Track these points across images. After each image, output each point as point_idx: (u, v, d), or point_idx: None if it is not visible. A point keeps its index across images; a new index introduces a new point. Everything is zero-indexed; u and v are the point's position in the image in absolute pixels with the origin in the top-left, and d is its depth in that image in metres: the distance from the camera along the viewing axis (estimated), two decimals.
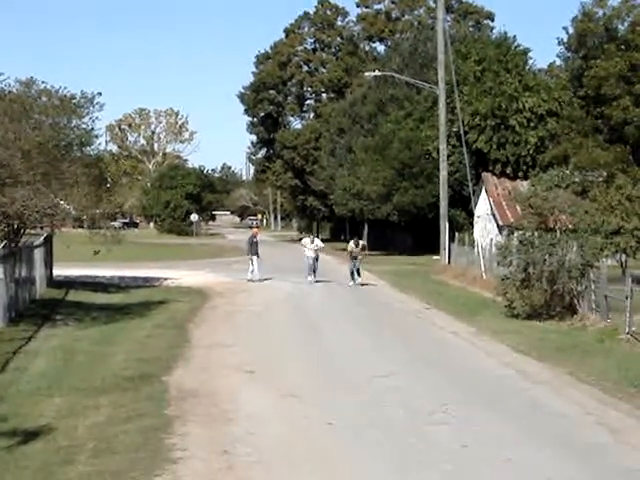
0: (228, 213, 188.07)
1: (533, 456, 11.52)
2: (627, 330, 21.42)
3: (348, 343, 22.05)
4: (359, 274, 38.83)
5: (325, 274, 40.34)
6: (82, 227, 35.89)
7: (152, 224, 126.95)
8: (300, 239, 49.45)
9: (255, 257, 39.23)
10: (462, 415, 13.78)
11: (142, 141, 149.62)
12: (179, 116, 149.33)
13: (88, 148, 35.43)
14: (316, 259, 39.72)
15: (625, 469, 11.01)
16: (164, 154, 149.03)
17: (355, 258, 38.71)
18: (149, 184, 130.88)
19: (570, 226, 31.93)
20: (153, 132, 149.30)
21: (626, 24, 55.58)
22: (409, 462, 11.22)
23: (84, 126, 34.26)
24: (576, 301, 25.37)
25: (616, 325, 22.06)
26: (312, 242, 40.25)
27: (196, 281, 39.88)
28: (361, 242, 41.30)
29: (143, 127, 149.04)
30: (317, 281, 38.85)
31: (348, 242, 41.86)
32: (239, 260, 52.20)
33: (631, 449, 12.01)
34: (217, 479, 10.55)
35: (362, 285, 38.21)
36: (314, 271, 39.25)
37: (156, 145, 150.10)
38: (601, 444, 12.19)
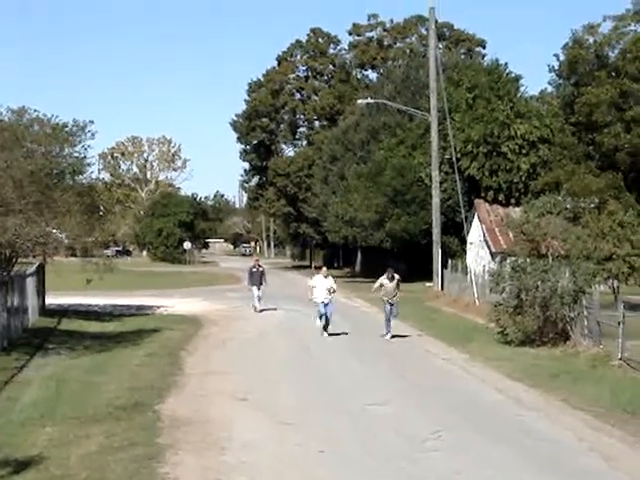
0: (221, 241, 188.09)
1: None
2: (619, 356, 21.44)
3: (341, 370, 22.03)
4: (389, 324, 28.97)
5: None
6: (75, 256, 35.82)
7: (145, 252, 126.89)
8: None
9: (255, 287, 38.18)
10: (455, 442, 13.76)
11: (135, 169, 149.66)
12: (172, 144, 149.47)
13: (80, 176, 35.50)
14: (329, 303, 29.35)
15: None
16: (157, 182, 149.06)
17: (391, 303, 28.87)
18: (142, 212, 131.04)
19: (562, 252, 31.98)
20: (146, 160, 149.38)
21: (616, 51, 55.98)
22: None
23: (76, 154, 34.35)
24: (569, 327, 25.37)
25: (609, 351, 22.07)
26: (326, 277, 29.84)
27: (189, 309, 39.84)
28: (396, 276, 29.61)
29: (136, 155, 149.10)
30: (331, 334, 29.19)
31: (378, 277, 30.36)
32: (233, 288, 52.18)
33: (624, 475, 12.00)
34: None
35: (392, 337, 28.68)
36: (326, 320, 29.23)
37: (149, 173, 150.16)
38: (595, 470, 12.18)
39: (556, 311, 25.24)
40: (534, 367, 21.79)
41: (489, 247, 49.76)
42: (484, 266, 41.70)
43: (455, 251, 55.20)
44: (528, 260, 27.96)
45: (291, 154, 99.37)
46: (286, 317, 36.12)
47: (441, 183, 51.22)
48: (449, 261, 47.72)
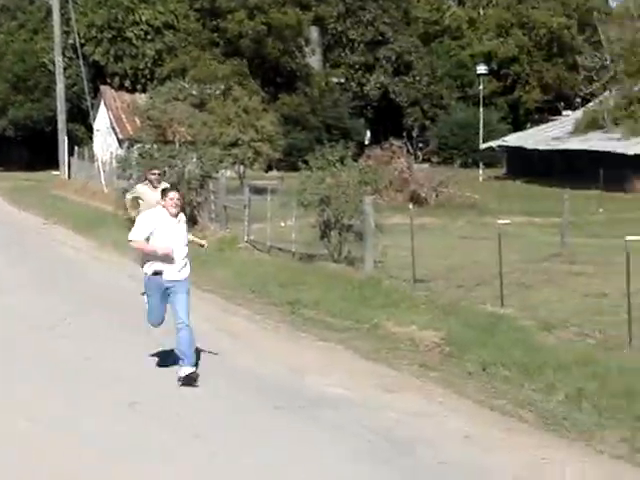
0: None
1: (159, 364, 11.61)
2: (245, 239, 22.05)
3: None
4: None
5: None
6: None
7: None
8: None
9: None
10: (84, 328, 13.63)
11: None
12: None
13: None
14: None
15: (234, 367, 11.36)
16: None
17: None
18: None
19: (189, 138, 32.33)
20: None
21: None
22: (32, 377, 10.93)
23: None
24: (196, 212, 25.72)
25: (235, 234, 22.61)
26: (176, 216, 11.30)
27: None
28: (165, 185, 15.00)
29: None
30: None
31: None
32: None
33: (250, 350, 12.37)
34: None
35: None
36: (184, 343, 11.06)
37: None
38: (223, 349, 12.43)
39: (184, 196, 25.46)
40: None
41: (116, 134, 49.40)
42: (112, 153, 41.26)
43: (82, 138, 54.35)
44: (155, 146, 27.99)
45: None
46: None
47: (65, 69, 49.80)
48: (76, 149, 46.84)
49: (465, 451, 8.59)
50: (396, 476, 7.92)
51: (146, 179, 16.85)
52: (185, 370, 10.69)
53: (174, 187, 12.16)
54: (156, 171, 16.91)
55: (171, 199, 11.27)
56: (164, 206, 11.28)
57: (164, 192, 11.50)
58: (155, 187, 15.97)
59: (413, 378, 11.09)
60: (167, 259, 11.01)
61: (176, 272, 11.11)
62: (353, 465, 8.19)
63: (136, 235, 11.30)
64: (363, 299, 15.06)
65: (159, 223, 11.22)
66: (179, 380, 10.62)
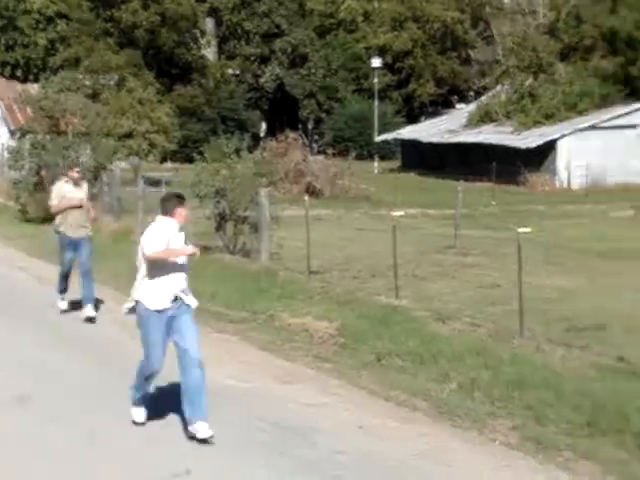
0: None
1: (49, 356, 11.46)
2: (140, 230, 21.82)
3: None
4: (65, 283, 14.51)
5: None
6: None
7: None
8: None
9: None
10: None
11: None
12: None
13: None
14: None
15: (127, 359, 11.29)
16: None
17: (75, 239, 14.39)
18: None
19: (83, 129, 31.94)
20: None
21: None
22: None
23: None
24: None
25: (129, 226, 22.39)
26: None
27: None
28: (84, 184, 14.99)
29: None
30: None
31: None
32: None
33: None
34: None
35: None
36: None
37: None
38: (117, 341, 12.30)
39: None
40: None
41: (8, 124, 48.47)
42: (3, 144, 40.49)
43: None
44: (48, 137, 27.64)
45: None
46: None
47: None
48: None
49: (360, 441, 8.65)
50: (292, 466, 7.94)
51: (65, 176, 14.63)
52: (203, 430, 8.52)
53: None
54: (78, 169, 15.02)
55: (182, 212, 8.86)
56: (173, 215, 8.79)
57: (179, 199, 8.93)
58: (78, 185, 14.46)
59: (308, 369, 11.15)
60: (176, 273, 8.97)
61: (180, 292, 9.13)
62: (250, 456, 8.19)
63: (154, 247, 8.62)
64: (259, 290, 15.06)
65: (169, 236, 8.74)
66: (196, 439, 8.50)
